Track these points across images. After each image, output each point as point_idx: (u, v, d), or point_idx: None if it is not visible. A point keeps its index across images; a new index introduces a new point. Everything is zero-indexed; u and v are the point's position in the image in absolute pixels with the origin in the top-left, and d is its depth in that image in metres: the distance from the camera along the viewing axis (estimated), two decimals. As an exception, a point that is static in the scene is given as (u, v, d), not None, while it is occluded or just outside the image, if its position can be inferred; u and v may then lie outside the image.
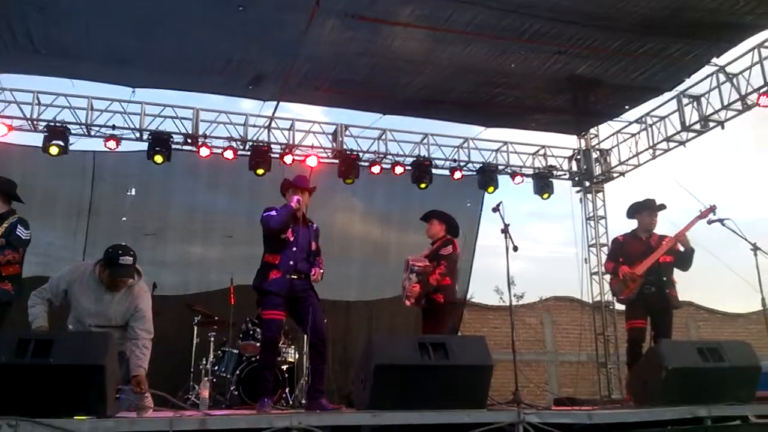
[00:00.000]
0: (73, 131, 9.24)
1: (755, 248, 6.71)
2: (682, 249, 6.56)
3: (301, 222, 5.49)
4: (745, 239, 6.77)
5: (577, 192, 11.94)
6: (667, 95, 10.02)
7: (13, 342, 3.66)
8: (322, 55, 8.42)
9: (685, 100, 10.00)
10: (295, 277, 5.32)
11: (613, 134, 11.53)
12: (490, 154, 11.18)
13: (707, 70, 9.30)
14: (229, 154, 9.57)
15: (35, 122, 9.17)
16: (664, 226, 6.84)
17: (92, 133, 9.42)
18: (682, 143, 10.38)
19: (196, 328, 8.32)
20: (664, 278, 6.50)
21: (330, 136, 10.48)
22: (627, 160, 11.34)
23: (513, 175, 11.09)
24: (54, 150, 8.85)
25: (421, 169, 10.40)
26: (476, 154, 11.08)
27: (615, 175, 11.67)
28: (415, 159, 10.54)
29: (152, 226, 9.80)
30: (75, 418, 3.57)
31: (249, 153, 9.71)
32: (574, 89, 9.50)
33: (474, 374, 4.42)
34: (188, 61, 8.55)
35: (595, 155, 11.83)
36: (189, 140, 9.65)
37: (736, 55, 8.97)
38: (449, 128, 11.11)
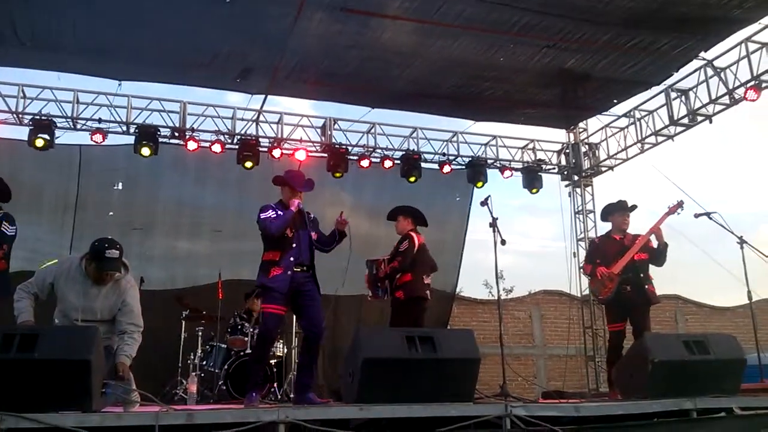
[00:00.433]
0: (59, 125, 9.17)
1: (741, 242, 6.78)
2: (655, 245, 6.64)
3: (298, 216, 5.52)
4: (732, 233, 6.84)
5: (566, 186, 11.98)
6: (655, 89, 10.07)
7: (-2, 336, 3.63)
8: (310, 48, 8.39)
9: (673, 94, 10.04)
10: (298, 270, 5.38)
11: (601, 128, 11.57)
12: (479, 148, 11.20)
13: (695, 64, 9.36)
14: (216, 148, 9.52)
15: (21, 116, 9.09)
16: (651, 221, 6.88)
17: (78, 126, 9.34)
18: (670, 137, 10.43)
19: (183, 322, 8.30)
20: (641, 275, 6.61)
21: (319, 130, 10.45)
22: (615, 154, 11.39)
23: (502, 169, 11.11)
24: (40, 143, 8.77)
25: (410, 163, 10.40)
26: (465, 148, 11.10)
27: (603, 169, 11.72)
28: (404, 153, 10.54)
29: (140, 221, 9.75)
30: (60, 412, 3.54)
31: (237, 147, 9.67)
32: (563, 83, 9.52)
33: (461, 367, 4.41)
34: (175, 53, 8.48)
35: (583, 149, 11.88)
36: (176, 134, 9.59)
37: (724, 49, 9.03)
38: (438, 122, 11.16)
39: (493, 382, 7.70)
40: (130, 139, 9.31)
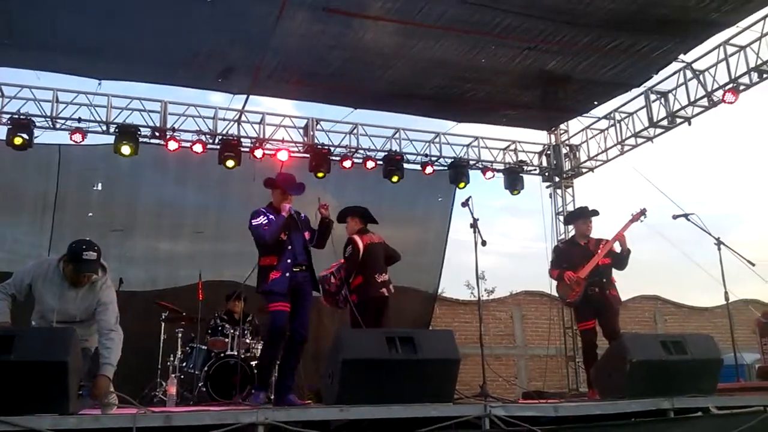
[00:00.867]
0: (37, 124, 9.07)
1: (719, 243, 6.87)
2: (618, 251, 6.83)
3: (290, 219, 5.56)
4: (710, 234, 6.93)
5: (547, 187, 12.05)
6: (635, 91, 10.15)
7: (-27, 338, 3.58)
8: (292, 48, 8.36)
9: (652, 97, 10.14)
10: (297, 270, 5.47)
11: (582, 130, 11.65)
12: (461, 149, 11.23)
13: (674, 66, 9.46)
14: (198, 148, 9.46)
15: (-1, 115, 8.97)
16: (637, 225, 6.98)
17: (57, 125, 9.25)
18: (649, 139, 10.53)
19: (163, 324, 8.22)
20: (605, 279, 6.80)
21: (301, 130, 10.41)
22: (596, 155, 11.47)
23: (484, 170, 11.15)
24: (18, 141, 8.66)
25: (393, 163, 10.41)
26: (447, 149, 11.13)
27: (584, 170, 11.80)
28: (386, 153, 10.54)
29: (119, 222, 9.65)
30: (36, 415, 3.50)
31: (218, 147, 9.61)
32: (544, 85, 9.58)
33: (441, 368, 4.42)
34: (156, 52, 8.41)
35: (564, 151, 11.96)
36: (157, 133, 9.52)
37: (703, 51, 9.13)
38: (421, 123, 11.17)
39: (474, 382, 7.71)
40: (110, 139, 9.22)
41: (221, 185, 10.03)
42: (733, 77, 8.82)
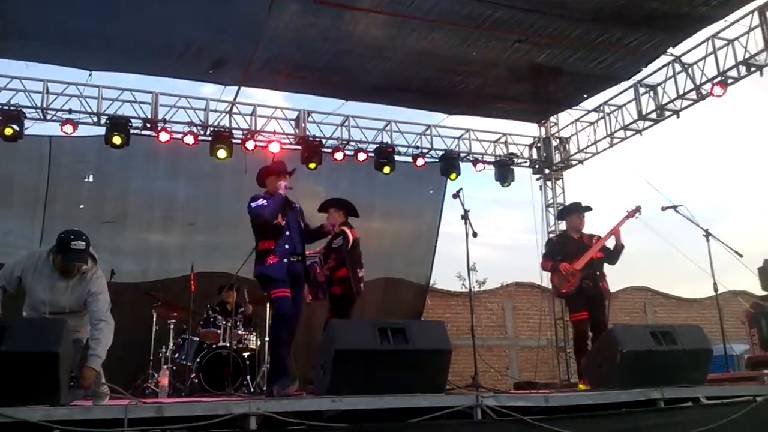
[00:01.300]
0: (28, 115, 9.01)
1: (707, 234, 6.92)
2: (611, 246, 7.01)
3: (287, 205, 5.62)
4: (698, 225, 6.98)
5: (537, 179, 12.09)
6: (624, 84, 10.19)
7: (-35, 330, 3.57)
8: (284, 40, 8.34)
9: (641, 90, 10.19)
10: (294, 259, 5.51)
11: (572, 122, 11.69)
12: (452, 142, 11.24)
13: (663, 60, 9.50)
14: (189, 140, 9.42)
15: (-12, 106, 8.91)
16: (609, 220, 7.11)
17: (48, 117, 9.20)
18: (638, 132, 10.58)
19: (155, 315, 8.22)
20: (597, 272, 6.95)
21: (292, 122, 10.40)
22: (585, 148, 11.52)
23: (475, 162, 11.17)
24: (8, 131, 8.60)
25: (384, 155, 10.40)
26: (439, 141, 11.14)
27: (574, 162, 11.85)
28: (378, 146, 10.54)
29: (111, 214, 9.61)
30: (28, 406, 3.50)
31: (210, 138, 9.58)
32: (534, 78, 9.60)
33: (433, 358, 4.45)
34: (147, 43, 8.37)
35: (554, 143, 11.99)
36: (148, 125, 9.47)
37: (691, 45, 9.17)
38: (412, 115, 11.17)
39: (466, 373, 7.76)
40: (101, 130, 9.17)
41: (213, 177, 10.00)
42: (721, 71, 8.86)
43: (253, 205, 5.50)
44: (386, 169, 10.35)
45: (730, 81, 8.90)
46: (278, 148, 9.76)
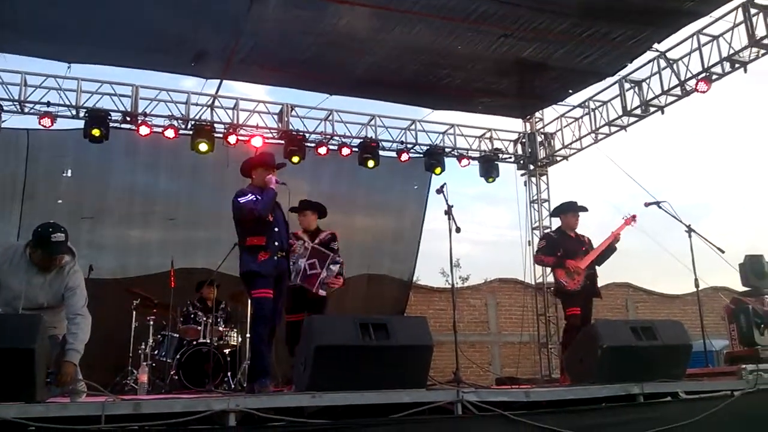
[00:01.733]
0: (5, 108, 8.88)
1: (690, 230, 6.96)
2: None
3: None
4: (681, 221, 7.01)
5: (522, 175, 12.09)
6: (609, 80, 10.20)
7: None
8: (266, 33, 8.25)
9: (626, 85, 10.20)
10: (281, 255, 5.48)
11: (556, 118, 11.71)
12: (437, 137, 11.20)
13: (648, 55, 9.51)
14: (170, 133, 9.30)
15: (-36, 98, 8.76)
16: (610, 213, 7.22)
17: (26, 110, 9.05)
18: (623, 128, 10.60)
19: (134, 312, 8.13)
20: (592, 272, 7.22)
21: (275, 117, 10.31)
22: (570, 143, 11.53)
23: (459, 157, 11.14)
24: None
25: (368, 150, 10.34)
26: (423, 136, 11.09)
27: (558, 158, 11.86)
28: (362, 140, 10.48)
29: (90, 209, 9.48)
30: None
31: (191, 132, 9.47)
32: (520, 73, 9.58)
33: (414, 354, 4.42)
34: (127, 36, 8.21)
35: (539, 139, 11.98)
36: (128, 118, 9.35)
37: (676, 41, 9.20)
38: (396, 110, 11.10)
39: (449, 369, 7.72)
40: (80, 124, 9.05)
41: (194, 171, 9.89)
42: (705, 66, 8.89)
43: (242, 200, 5.37)
44: (370, 164, 10.29)
45: (714, 77, 8.93)
46: (261, 143, 9.69)
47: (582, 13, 8.06)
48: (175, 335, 7.88)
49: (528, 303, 11.82)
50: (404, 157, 10.67)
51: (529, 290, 12.02)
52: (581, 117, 11.23)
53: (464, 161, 11.13)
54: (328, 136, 10.40)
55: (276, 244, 5.42)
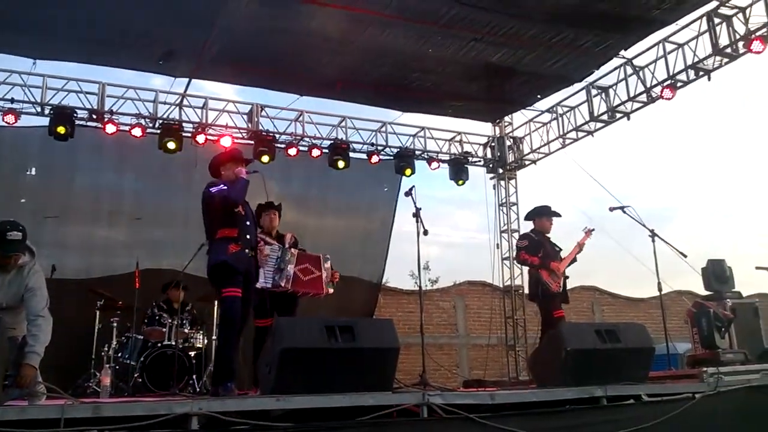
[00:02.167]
0: (-33, 104, 8.65)
1: (653, 235, 7.07)
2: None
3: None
4: (644, 226, 7.13)
5: (491, 179, 12.18)
6: (577, 86, 10.36)
7: None
8: (237, 32, 8.17)
9: (594, 91, 10.36)
10: (252, 253, 5.42)
11: (525, 123, 11.82)
12: (407, 139, 11.23)
13: (615, 62, 9.68)
14: (137, 132, 9.19)
15: (-76, 93, 8.53)
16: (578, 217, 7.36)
17: (-12, 106, 8.83)
18: (590, 133, 10.76)
19: (98, 313, 7.97)
20: (565, 277, 7.47)
21: (245, 116, 10.23)
22: (538, 148, 11.66)
23: (429, 160, 11.18)
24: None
25: (339, 152, 10.32)
26: (394, 138, 11.11)
27: (527, 162, 11.98)
28: (332, 142, 10.45)
29: (54, 208, 9.24)
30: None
31: (159, 131, 9.35)
32: (489, 77, 9.66)
33: (381, 357, 4.40)
34: (94, 31, 8.08)
35: (508, 143, 12.08)
36: (94, 116, 9.19)
37: (643, 48, 9.35)
38: (367, 112, 11.12)
39: (416, 371, 7.75)
40: (45, 121, 8.88)
41: (161, 171, 9.75)
42: (671, 74, 9.07)
43: (214, 190, 5.28)
44: (340, 165, 10.27)
45: (679, 84, 9.11)
46: (230, 143, 9.59)
47: (550, 19, 8.18)
48: (139, 337, 7.74)
49: (496, 305, 11.90)
50: (374, 159, 10.69)
51: (497, 293, 12.09)
52: (549, 122, 11.36)
53: (434, 164, 11.17)
54: (299, 137, 10.35)
55: (248, 237, 5.35)
